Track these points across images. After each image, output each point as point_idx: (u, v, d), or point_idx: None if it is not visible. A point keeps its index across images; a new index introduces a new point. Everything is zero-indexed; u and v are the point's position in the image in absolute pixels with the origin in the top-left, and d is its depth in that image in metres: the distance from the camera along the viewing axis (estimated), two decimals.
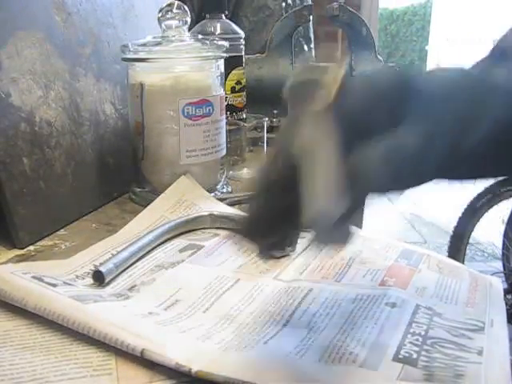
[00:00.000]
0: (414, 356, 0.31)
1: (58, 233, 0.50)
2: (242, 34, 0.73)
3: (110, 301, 0.37)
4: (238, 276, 0.42)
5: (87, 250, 0.44)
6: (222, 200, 0.57)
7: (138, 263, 0.43)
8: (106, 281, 0.39)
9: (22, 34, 0.48)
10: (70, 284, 0.38)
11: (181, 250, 0.46)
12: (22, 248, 0.46)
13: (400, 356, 0.31)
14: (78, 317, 0.33)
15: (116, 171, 0.60)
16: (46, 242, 0.48)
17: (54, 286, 0.36)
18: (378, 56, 0.71)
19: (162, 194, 0.53)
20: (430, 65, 4.79)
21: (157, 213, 0.51)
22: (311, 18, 0.71)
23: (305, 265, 0.43)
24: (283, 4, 1.15)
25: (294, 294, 0.39)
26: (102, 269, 0.39)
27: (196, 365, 0.29)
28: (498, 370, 0.30)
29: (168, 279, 0.41)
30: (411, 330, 0.33)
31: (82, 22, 0.57)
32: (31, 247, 0.47)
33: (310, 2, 0.96)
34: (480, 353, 0.31)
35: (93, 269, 0.41)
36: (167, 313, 0.36)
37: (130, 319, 0.34)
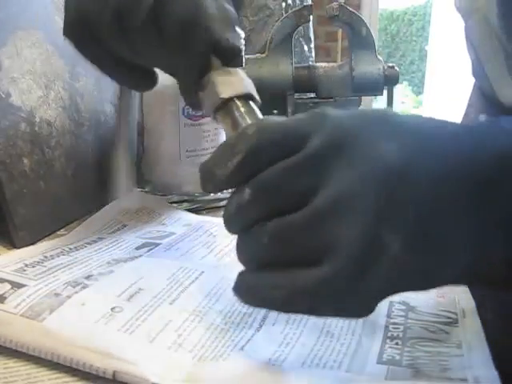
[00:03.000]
0: (397, 358, 0.31)
1: (57, 233, 0.50)
2: (242, 33, 0.73)
3: (66, 296, 0.34)
4: (203, 268, 0.41)
5: (36, 245, 0.45)
6: (222, 200, 0.57)
7: (92, 256, 0.42)
8: None
9: (22, 33, 0.48)
10: (21, 285, 0.35)
11: (137, 248, 0.45)
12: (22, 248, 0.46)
13: (383, 359, 0.31)
14: (39, 342, 0.31)
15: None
16: (46, 241, 0.48)
17: (4, 299, 0.34)
18: (378, 56, 0.71)
19: (114, 201, 0.54)
20: (430, 65, 4.79)
21: (109, 215, 0.51)
22: (311, 17, 0.71)
23: None
24: (283, 4, 1.15)
25: None
26: None
27: (173, 381, 0.28)
28: (479, 359, 0.30)
29: (128, 270, 0.40)
30: (389, 334, 0.33)
31: None
32: (31, 247, 0.47)
33: (310, 2, 0.96)
34: (459, 346, 0.32)
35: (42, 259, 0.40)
36: (131, 305, 0.35)
37: (94, 330, 0.32)
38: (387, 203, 0.25)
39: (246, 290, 0.29)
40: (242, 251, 0.29)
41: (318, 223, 0.26)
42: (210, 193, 0.31)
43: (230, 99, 0.35)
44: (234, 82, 0.36)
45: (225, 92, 0.35)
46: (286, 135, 0.28)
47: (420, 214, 0.25)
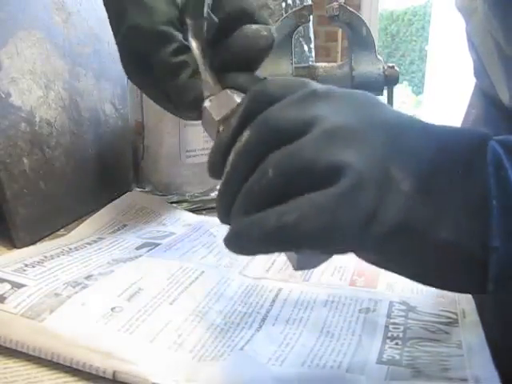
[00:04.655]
0: (397, 358, 0.31)
1: (57, 233, 0.50)
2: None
3: (66, 296, 0.34)
4: (202, 268, 0.41)
5: (36, 245, 0.45)
6: None
7: (92, 256, 0.42)
8: None
9: (22, 33, 0.48)
10: (21, 285, 0.35)
11: (137, 248, 0.45)
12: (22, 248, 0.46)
13: (383, 359, 0.31)
14: (39, 342, 0.31)
15: (116, 171, 0.60)
16: (46, 241, 0.48)
17: (4, 299, 0.33)
18: (378, 56, 0.71)
19: (114, 201, 0.54)
20: (430, 65, 4.79)
21: (108, 215, 0.51)
22: (311, 17, 0.71)
23: (270, 261, 0.43)
24: (283, 4, 1.14)
25: (263, 293, 0.38)
26: None
27: (173, 381, 0.28)
28: (479, 359, 0.30)
29: (128, 270, 0.40)
30: (389, 334, 0.33)
31: (82, 22, 0.57)
32: (31, 247, 0.47)
33: (310, 2, 0.96)
34: (459, 346, 0.32)
35: (42, 259, 0.40)
36: (131, 305, 0.35)
37: (95, 330, 0.32)
38: (392, 146, 0.25)
39: (246, 229, 0.25)
40: (240, 200, 0.26)
41: (328, 143, 0.25)
42: (215, 173, 0.29)
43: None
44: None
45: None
46: (291, 84, 0.29)
47: (422, 170, 0.25)
